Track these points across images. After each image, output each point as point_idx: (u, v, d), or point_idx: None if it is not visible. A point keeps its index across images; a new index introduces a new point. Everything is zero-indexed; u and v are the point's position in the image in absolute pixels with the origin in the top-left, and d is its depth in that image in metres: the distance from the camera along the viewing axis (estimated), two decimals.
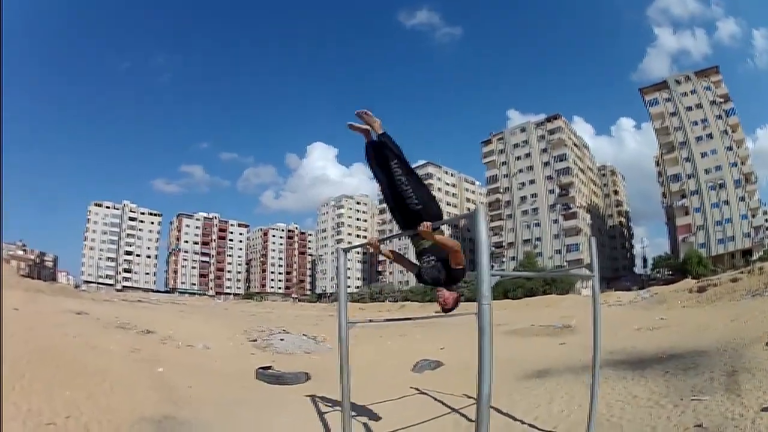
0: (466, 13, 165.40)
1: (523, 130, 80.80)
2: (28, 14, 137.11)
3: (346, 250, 4.91)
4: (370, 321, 8.44)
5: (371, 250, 4.06)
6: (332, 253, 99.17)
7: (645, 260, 78.44)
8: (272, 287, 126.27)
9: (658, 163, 75.55)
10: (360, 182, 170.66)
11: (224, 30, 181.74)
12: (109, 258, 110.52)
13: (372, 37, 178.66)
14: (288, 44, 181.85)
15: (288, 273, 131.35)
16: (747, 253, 56.28)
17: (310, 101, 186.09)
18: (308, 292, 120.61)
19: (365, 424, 5.84)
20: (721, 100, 63.30)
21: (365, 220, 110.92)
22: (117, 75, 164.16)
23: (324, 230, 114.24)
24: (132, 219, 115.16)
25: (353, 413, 4.48)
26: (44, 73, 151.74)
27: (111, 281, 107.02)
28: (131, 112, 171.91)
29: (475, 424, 2.85)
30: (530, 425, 5.68)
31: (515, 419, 5.95)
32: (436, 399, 7.46)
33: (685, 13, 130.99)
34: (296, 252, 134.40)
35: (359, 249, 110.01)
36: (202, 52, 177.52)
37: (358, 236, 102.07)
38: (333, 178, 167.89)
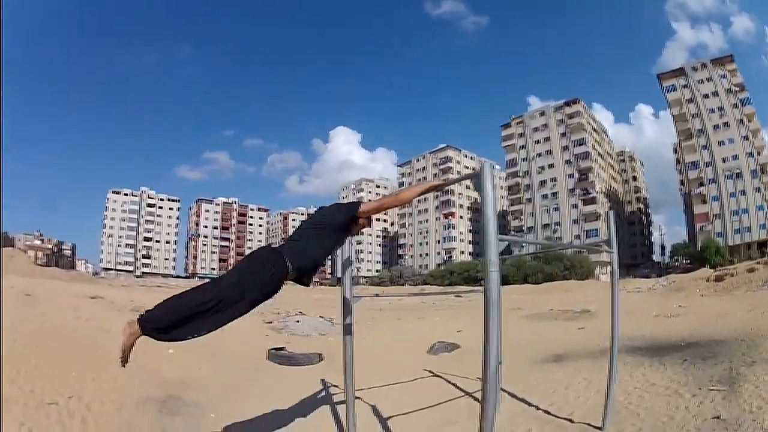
0: (492, 1, 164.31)
1: (542, 113, 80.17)
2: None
3: None
4: (377, 295, 8.36)
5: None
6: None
7: (663, 248, 77.59)
8: None
9: (676, 151, 74.75)
10: (384, 167, 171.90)
11: (250, 18, 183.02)
12: (128, 245, 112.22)
13: (397, 25, 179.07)
14: (314, 33, 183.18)
15: None
16: (762, 244, 54.97)
17: (336, 88, 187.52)
18: (329, 276, 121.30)
19: (373, 406, 5.71)
20: (737, 88, 62.39)
21: None
22: (144, 66, 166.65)
23: None
24: (150, 206, 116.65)
25: (359, 395, 4.32)
26: (73, 64, 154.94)
27: (130, 267, 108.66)
28: (158, 103, 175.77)
29: (481, 402, 2.45)
30: (545, 411, 5.49)
31: (530, 404, 5.78)
32: (449, 382, 7.31)
33: (700, 8, 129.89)
34: None
35: (380, 232, 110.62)
36: (228, 41, 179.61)
37: (378, 219, 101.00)
38: (358, 163, 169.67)
